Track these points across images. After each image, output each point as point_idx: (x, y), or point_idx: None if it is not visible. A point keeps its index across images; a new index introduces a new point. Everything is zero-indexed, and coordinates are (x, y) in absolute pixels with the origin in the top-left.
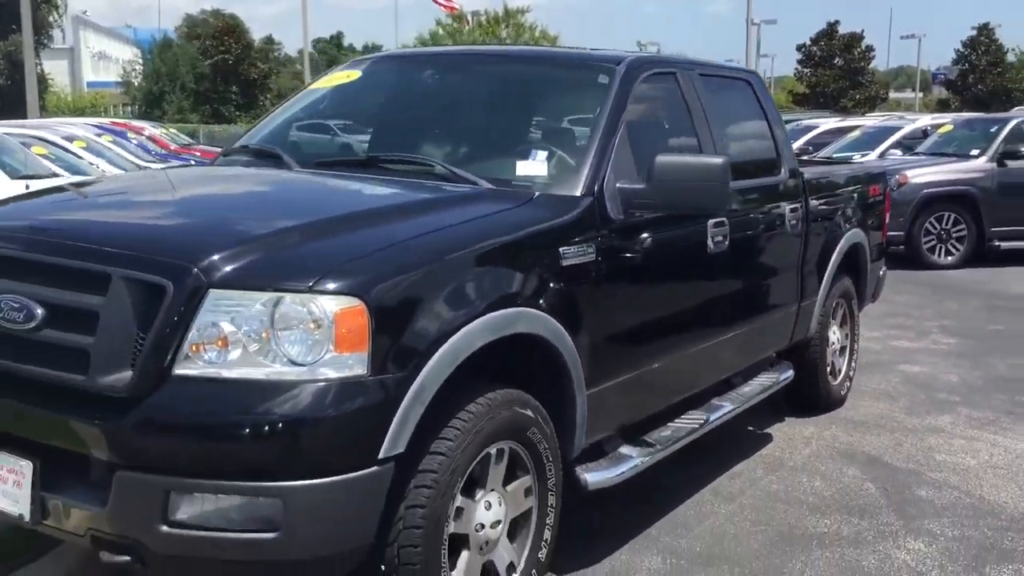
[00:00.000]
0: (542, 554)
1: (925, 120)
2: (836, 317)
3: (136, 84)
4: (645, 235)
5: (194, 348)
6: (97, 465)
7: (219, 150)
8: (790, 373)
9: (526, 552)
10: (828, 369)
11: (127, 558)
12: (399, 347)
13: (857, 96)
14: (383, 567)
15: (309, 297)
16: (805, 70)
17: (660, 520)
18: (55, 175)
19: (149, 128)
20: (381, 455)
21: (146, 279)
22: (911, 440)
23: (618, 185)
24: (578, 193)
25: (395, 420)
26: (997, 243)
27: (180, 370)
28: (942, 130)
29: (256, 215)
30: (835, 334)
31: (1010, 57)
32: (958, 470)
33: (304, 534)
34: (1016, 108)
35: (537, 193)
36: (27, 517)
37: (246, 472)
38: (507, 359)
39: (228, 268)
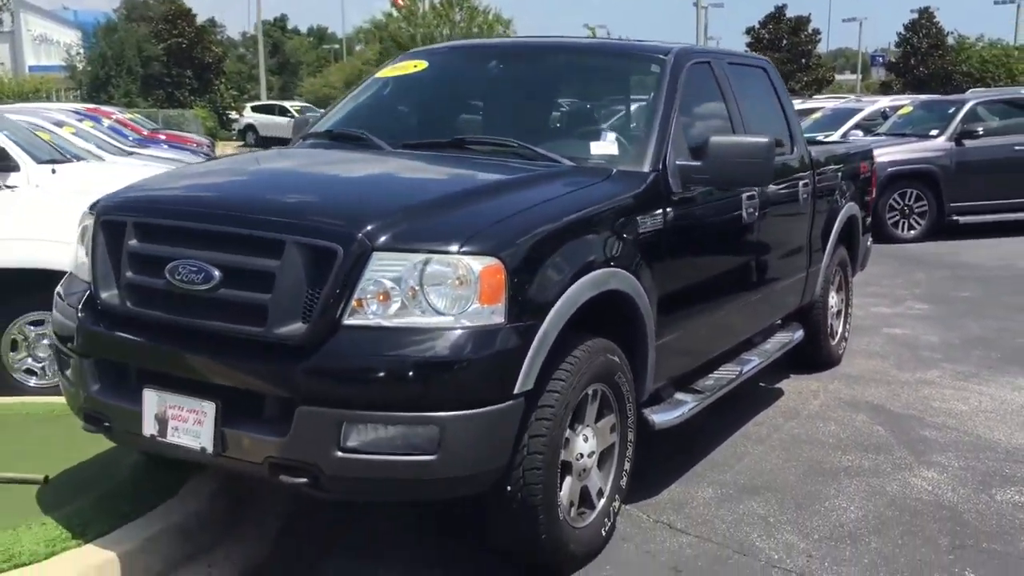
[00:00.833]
0: (623, 482)
1: (884, 102)
2: (835, 283)
3: (81, 68)
4: (698, 206)
5: (359, 302)
6: (277, 403)
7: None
8: (801, 332)
9: (611, 480)
10: (828, 330)
11: (304, 480)
12: (527, 300)
13: (805, 79)
14: (509, 487)
15: (457, 258)
16: (755, 53)
17: (702, 460)
18: (77, 158)
19: (117, 113)
20: (515, 391)
21: (318, 244)
22: (906, 391)
23: (678, 162)
24: (646, 169)
25: (526, 361)
26: (956, 218)
27: (348, 321)
28: (902, 111)
29: (396, 189)
30: (834, 298)
31: (950, 40)
32: (953, 414)
33: (455, 456)
34: (970, 90)
35: (615, 170)
36: (209, 449)
37: (408, 405)
38: (595, 313)
39: (388, 234)
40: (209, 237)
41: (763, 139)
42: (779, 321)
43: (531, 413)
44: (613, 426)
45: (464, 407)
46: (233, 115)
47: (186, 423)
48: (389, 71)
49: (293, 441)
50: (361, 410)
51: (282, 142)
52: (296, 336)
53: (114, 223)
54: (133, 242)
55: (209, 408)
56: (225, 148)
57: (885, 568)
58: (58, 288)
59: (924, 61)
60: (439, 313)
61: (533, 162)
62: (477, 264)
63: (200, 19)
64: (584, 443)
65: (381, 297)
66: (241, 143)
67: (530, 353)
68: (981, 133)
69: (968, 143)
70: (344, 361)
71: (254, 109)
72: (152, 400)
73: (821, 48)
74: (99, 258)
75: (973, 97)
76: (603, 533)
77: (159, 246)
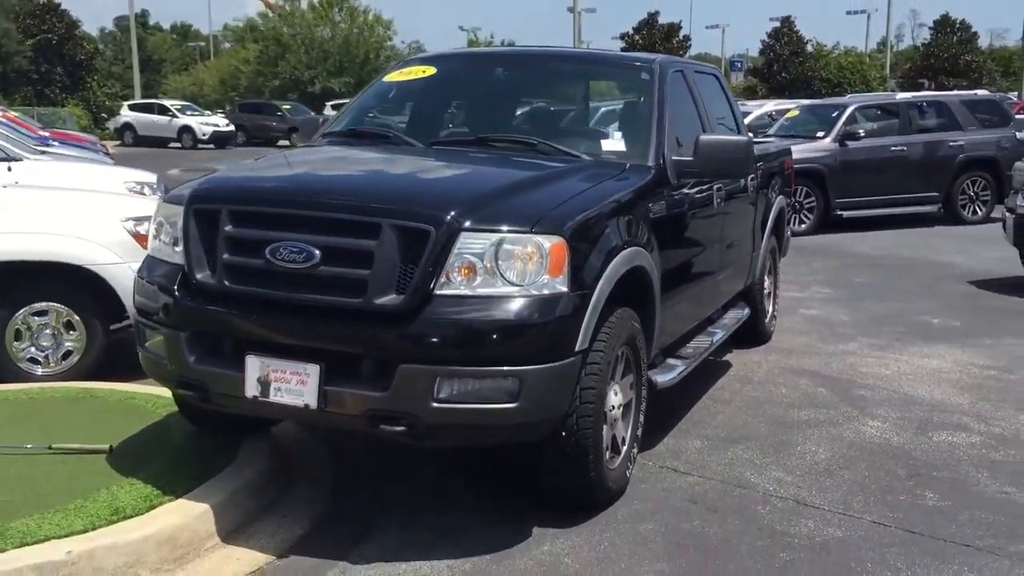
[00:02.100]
0: (639, 432)
1: (770, 106)
2: (767, 267)
3: None
4: (687, 194)
5: (447, 275)
6: (375, 363)
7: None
8: (747, 311)
9: (630, 429)
10: (763, 309)
11: (402, 428)
12: (583, 272)
13: None
14: (564, 433)
15: (530, 236)
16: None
17: (684, 418)
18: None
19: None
20: (576, 349)
21: (413, 227)
22: (835, 360)
23: (673, 157)
24: (651, 164)
25: (583, 324)
26: (840, 212)
27: (440, 291)
28: (790, 115)
29: (466, 179)
30: (767, 281)
31: (809, 48)
32: (879, 377)
33: (532, 403)
34: (849, 95)
35: (628, 164)
36: (313, 406)
37: (493, 361)
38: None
39: (471, 217)
40: (309, 221)
41: (743, 137)
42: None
43: (583, 369)
44: (631, 384)
45: (539, 362)
46: (105, 115)
47: (289, 384)
48: (397, 75)
49: (394, 395)
50: (453, 366)
51: (162, 142)
52: (394, 305)
53: (208, 211)
54: (229, 228)
55: (313, 370)
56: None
57: (861, 493)
58: (138, 269)
59: (786, 67)
60: (515, 284)
61: (553, 157)
62: (547, 242)
63: None
64: (614, 397)
65: (466, 270)
66: (118, 142)
67: (586, 317)
68: (862, 135)
69: (851, 144)
70: (438, 326)
71: (132, 107)
72: (255, 365)
73: (689, 54)
74: (192, 242)
75: (853, 102)
76: (627, 474)
77: (258, 230)
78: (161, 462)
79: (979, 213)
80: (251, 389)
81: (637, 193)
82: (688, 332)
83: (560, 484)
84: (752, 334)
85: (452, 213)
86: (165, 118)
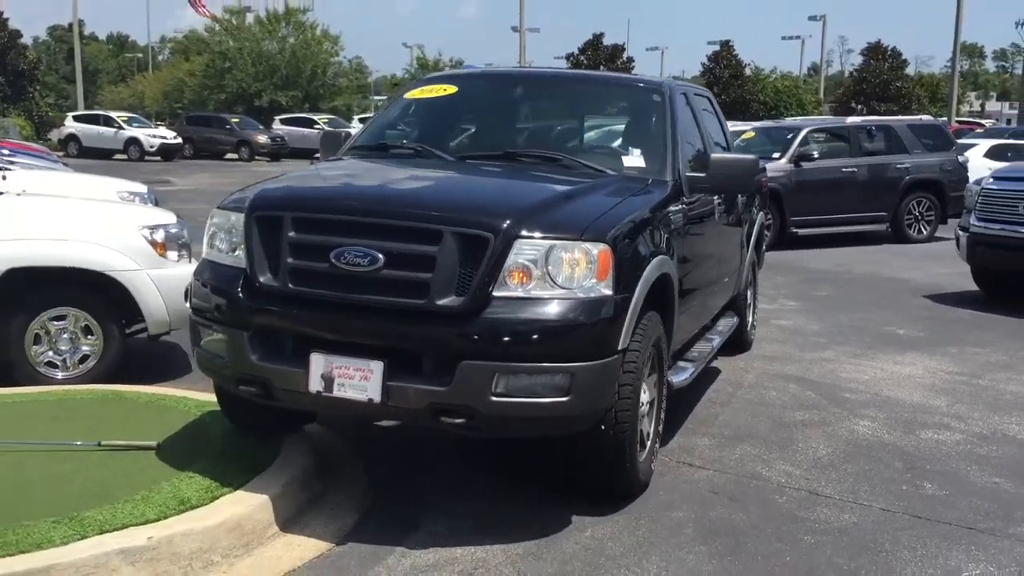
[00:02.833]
0: (660, 428)
1: None
2: (750, 279)
3: None
4: (697, 208)
5: (504, 279)
6: (436, 359)
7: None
8: (736, 319)
9: (653, 425)
10: (747, 318)
11: (462, 420)
12: (624, 277)
13: None
14: (603, 426)
15: (580, 243)
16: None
17: (688, 419)
18: None
19: None
20: (619, 347)
21: (473, 233)
22: (815, 367)
23: (687, 173)
24: (669, 179)
25: (624, 325)
26: (795, 230)
27: (497, 293)
28: (745, 136)
29: (513, 191)
30: (749, 291)
31: (748, 72)
32: (860, 382)
33: (582, 397)
34: (800, 118)
35: (650, 179)
36: (377, 400)
37: (547, 357)
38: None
39: (525, 226)
40: (373, 228)
41: (751, 157)
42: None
43: (623, 366)
44: (655, 383)
45: (588, 359)
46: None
47: (352, 380)
48: (419, 93)
49: (455, 389)
50: (511, 362)
51: (107, 154)
52: (455, 306)
53: (270, 218)
54: (293, 234)
55: (376, 366)
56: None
57: (866, 483)
58: (194, 272)
59: (726, 90)
60: (565, 287)
61: (579, 171)
62: (594, 249)
63: None
64: (644, 394)
65: (521, 274)
66: (62, 153)
67: (627, 319)
68: (816, 156)
69: (805, 165)
70: (497, 325)
71: (76, 119)
72: (319, 362)
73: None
74: (255, 247)
75: (806, 125)
76: (652, 467)
77: (323, 236)
78: (209, 457)
79: (924, 232)
80: (315, 384)
81: (662, 206)
82: (690, 338)
83: (598, 474)
84: (736, 342)
85: (508, 222)
86: (111, 130)
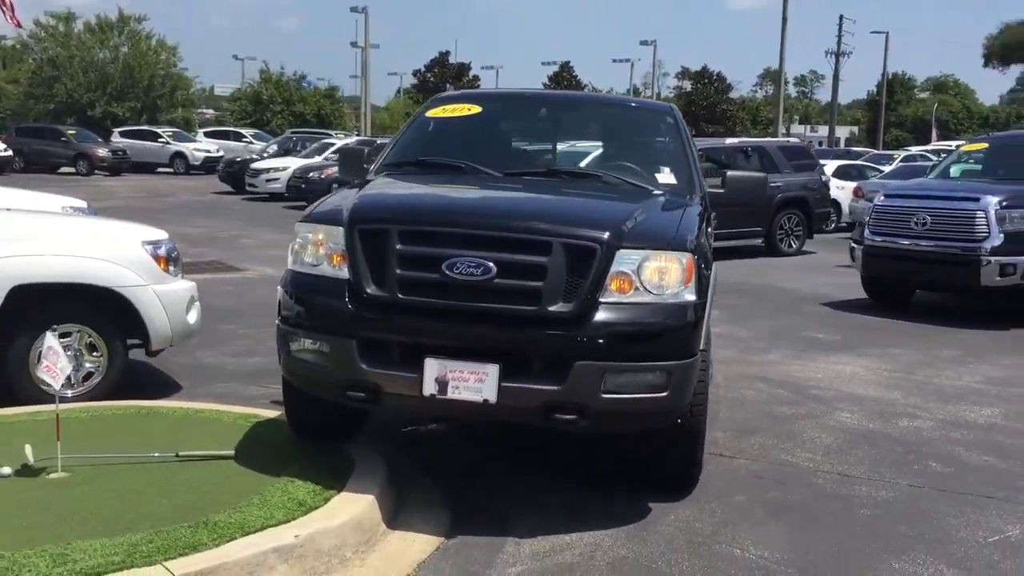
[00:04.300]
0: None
1: None
2: None
3: None
4: (712, 221)
5: (607, 286)
6: (548, 361)
7: None
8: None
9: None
10: None
11: (573, 417)
12: (701, 283)
13: None
14: (680, 420)
15: (671, 253)
16: (421, 95)
17: None
18: None
19: None
20: (700, 347)
21: (580, 244)
22: (770, 368)
23: (708, 189)
24: (698, 194)
25: (703, 326)
26: None
27: (603, 299)
28: None
29: (599, 205)
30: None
31: (587, 91)
32: (817, 380)
33: (675, 393)
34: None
35: (687, 194)
36: (492, 400)
37: (648, 357)
38: None
39: (624, 237)
40: (484, 240)
41: (760, 174)
42: None
43: (700, 364)
44: None
45: (681, 358)
46: None
47: (467, 382)
48: (441, 112)
49: (569, 388)
50: (618, 361)
51: None
52: (566, 312)
53: (375, 231)
54: (401, 246)
55: (492, 369)
56: None
57: (882, 465)
58: (284, 284)
59: None
60: (657, 293)
61: (621, 187)
62: (684, 258)
63: None
64: None
65: (621, 281)
66: None
67: (704, 321)
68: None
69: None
70: (606, 329)
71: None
72: (433, 367)
73: None
74: (359, 260)
75: (735, 142)
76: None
77: (435, 248)
78: (290, 463)
79: (793, 246)
80: (429, 388)
81: (704, 218)
82: None
83: (676, 463)
84: None
85: (610, 233)
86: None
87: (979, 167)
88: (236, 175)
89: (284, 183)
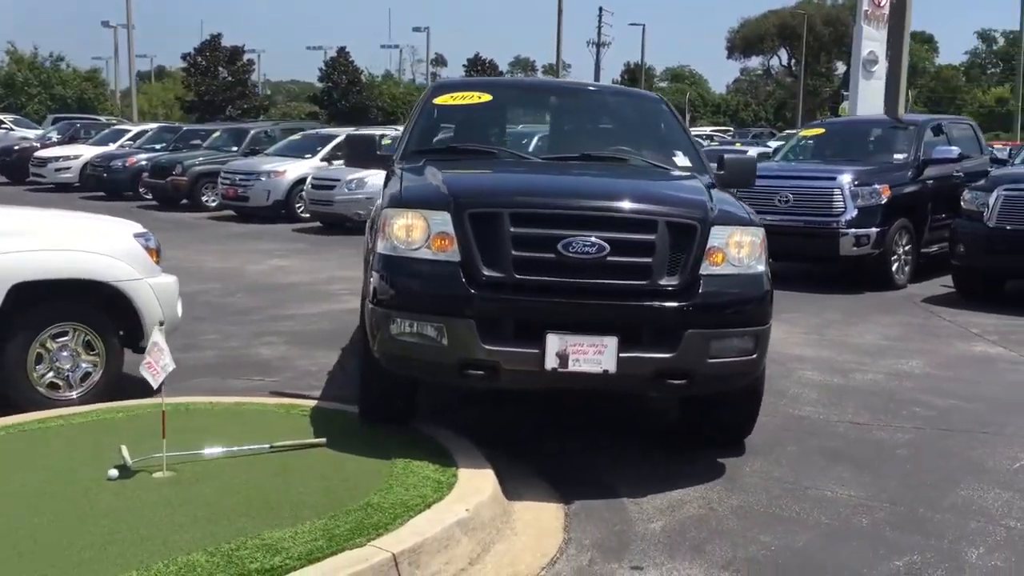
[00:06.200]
0: None
1: None
2: None
3: None
4: None
5: (705, 259)
6: (659, 331)
7: None
8: None
9: None
10: None
11: (683, 382)
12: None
13: (244, 105)
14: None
15: (752, 229)
16: (192, 79)
17: None
18: None
19: None
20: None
21: (683, 222)
22: None
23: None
24: (708, 175)
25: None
26: None
27: (703, 272)
28: None
29: (680, 186)
30: None
31: (363, 78)
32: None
33: (760, 355)
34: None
35: (706, 176)
36: (612, 370)
37: (743, 323)
38: None
39: (714, 216)
40: (597, 220)
41: (754, 154)
42: None
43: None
44: None
45: (763, 323)
46: None
47: (587, 354)
48: (449, 99)
49: (681, 355)
50: (721, 328)
51: None
52: (674, 285)
53: (486, 215)
54: (514, 228)
55: (611, 341)
56: None
57: (879, 412)
58: (380, 267)
59: (345, 96)
60: (739, 265)
61: (650, 170)
62: (760, 233)
63: None
64: None
65: (716, 255)
66: None
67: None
68: None
69: None
70: (710, 298)
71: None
72: (554, 341)
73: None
74: (470, 242)
75: None
76: None
77: (548, 230)
78: (385, 448)
79: None
80: (551, 362)
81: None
82: None
83: (743, 418)
84: None
85: (704, 212)
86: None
87: (811, 146)
88: (14, 164)
89: (76, 172)
